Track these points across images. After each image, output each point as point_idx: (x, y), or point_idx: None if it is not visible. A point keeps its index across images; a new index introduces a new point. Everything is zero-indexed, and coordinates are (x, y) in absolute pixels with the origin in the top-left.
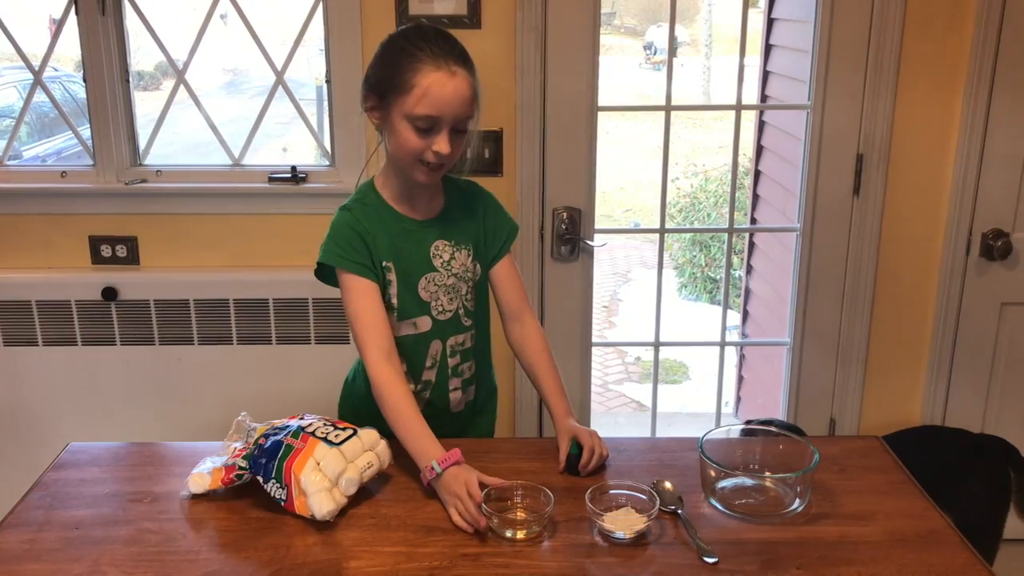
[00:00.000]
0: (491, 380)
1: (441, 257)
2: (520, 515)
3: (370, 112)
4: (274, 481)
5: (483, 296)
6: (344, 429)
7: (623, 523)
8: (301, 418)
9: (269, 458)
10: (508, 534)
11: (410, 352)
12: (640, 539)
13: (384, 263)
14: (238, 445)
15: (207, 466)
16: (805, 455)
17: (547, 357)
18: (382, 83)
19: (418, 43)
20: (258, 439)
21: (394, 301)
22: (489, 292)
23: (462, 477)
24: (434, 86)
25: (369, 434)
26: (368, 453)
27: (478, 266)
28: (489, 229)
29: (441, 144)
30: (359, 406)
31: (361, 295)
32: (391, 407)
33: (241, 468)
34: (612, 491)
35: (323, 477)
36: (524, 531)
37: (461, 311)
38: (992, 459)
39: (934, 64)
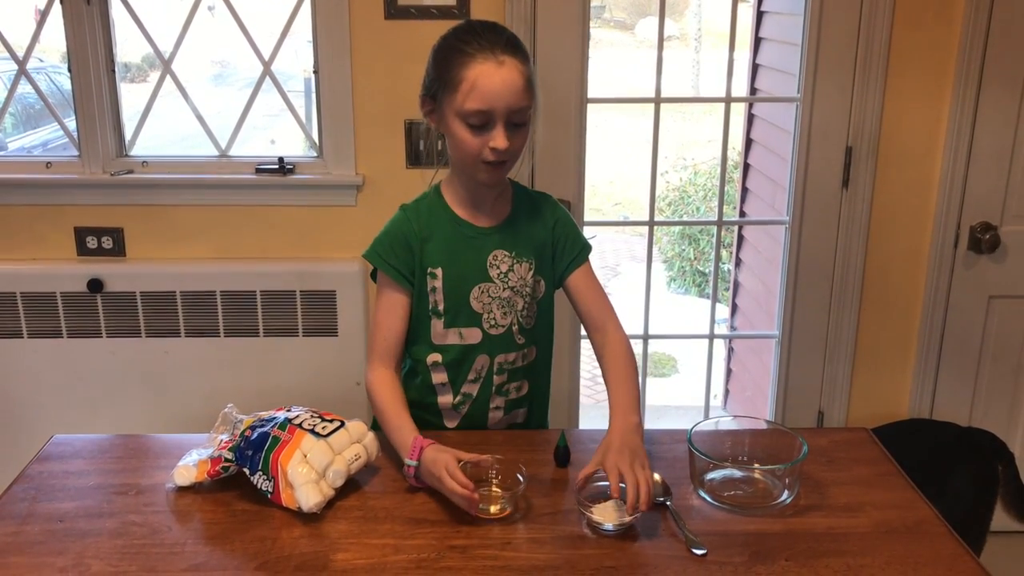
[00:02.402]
0: (544, 406)
1: (499, 268)
2: (494, 491)
3: (429, 116)
4: (260, 473)
5: (545, 316)
6: (331, 421)
7: (611, 514)
8: (288, 410)
9: (256, 450)
10: (480, 508)
11: (453, 362)
12: (628, 531)
13: (430, 269)
14: (224, 437)
15: (193, 458)
16: (793, 447)
17: (621, 366)
18: (434, 84)
19: (465, 38)
20: (244, 431)
21: (440, 307)
22: (554, 314)
23: (440, 461)
24: (481, 78)
25: (356, 426)
26: (355, 445)
27: (542, 283)
28: (559, 242)
29: (498, 139)
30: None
31: (388, 308)
32: (380, 403)
33: (227, 460)
34: (600, 482)
35: (310, 469)
36: (496, 507)
37: (515, 327)
38: (979, 452)
39: (923, 57)
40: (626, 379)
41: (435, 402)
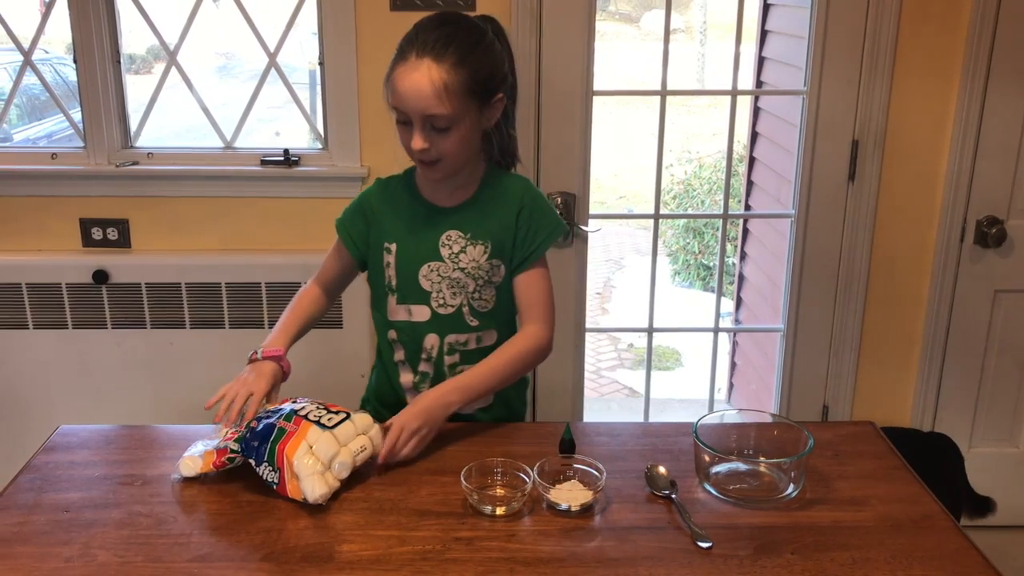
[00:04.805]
0: (519, 393)
1: (451, 248)
2: (500, 492)
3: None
4: (266, 464)
5: (505, 300)
6: (337, 413)
7: (568, 496)
8: (294, 401)
9: (261, 441)
10: (487, 510)
11: (405, 339)
12: (587, 512)
13: (386, 244)
14: (229, 428)
15: (198, 449)
16: (799, 440)
17: (502, 351)
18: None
19: (410, 34)
20: (250, 422)
21: (392, 283)
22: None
23: (261, 379)
24: (396, 78)
25: (362, 418)
26: (361, 437)
27: (501, 268)
28: (522, 229)
29: (415, 140)
30: (375, 401)
31: (332, 253)
32: (291, 304)
33: (233, 451)
34: (562, 464)
35: (316, 460)
36: (504, 507)
37: (466, 309)
38: (943, 458)
39: (930, 50)
40: (490, 363)
41: (399, 381)
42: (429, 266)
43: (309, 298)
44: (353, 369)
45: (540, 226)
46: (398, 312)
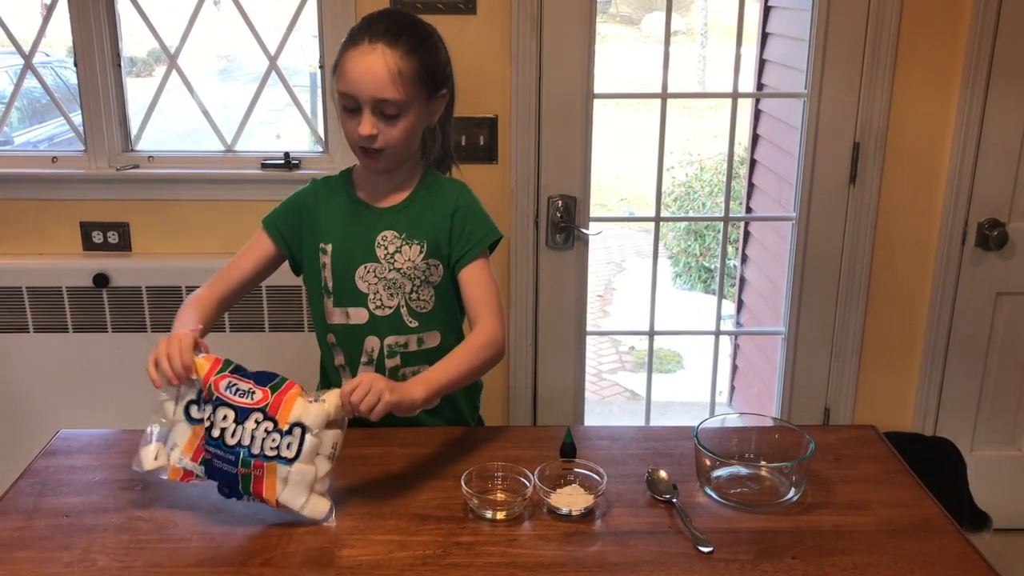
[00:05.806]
0: (471, 397)
1: (386, 248)
2: (500, 496)
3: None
4: (248, 498)
5: (444, 300)
6: (289, 431)
7: (569, 500)
8: (232, 375)
9: (231, 486)
10: (488, 515)
11: (344, 342)
12: (587, 516)
13: (322, 245)
14: (164, 397)
15: (152, 442)
16: (800, 444)
17: (461, 349)
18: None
19: (362, 23)
20: (204, 455)
21: (328, 285)
22: (456, 302)
23: (187, 337)
24: (348, 61)
25: (314, 414)
26: (327, 432)
27: (439, 267)
28: (455, 231)
29: (362, 125)
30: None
31: (249, 249)
32: (182, 306)
33: (199, 476)
34: (563, 468)
35: (298, 489)
36: (504, 512)
37: (404, 309)
38: (945, 463)
39: (931, 53)
40: (452, 360)
41: (340, 385)
42: (365, 267)
43: (208, 300)
44: None
45: (475, 227)
46: (335, 315)
